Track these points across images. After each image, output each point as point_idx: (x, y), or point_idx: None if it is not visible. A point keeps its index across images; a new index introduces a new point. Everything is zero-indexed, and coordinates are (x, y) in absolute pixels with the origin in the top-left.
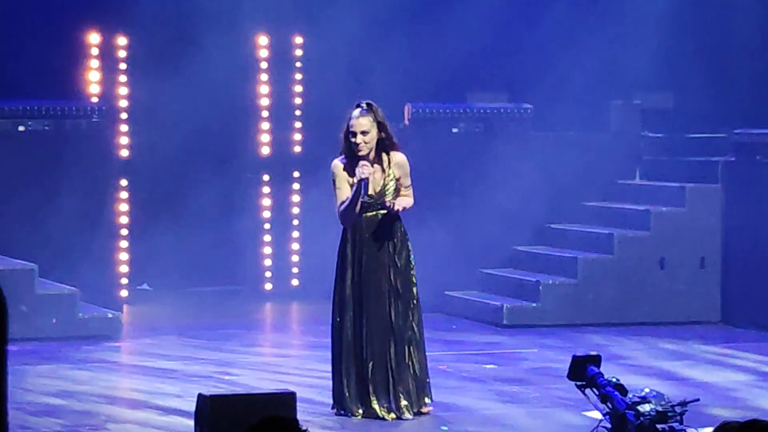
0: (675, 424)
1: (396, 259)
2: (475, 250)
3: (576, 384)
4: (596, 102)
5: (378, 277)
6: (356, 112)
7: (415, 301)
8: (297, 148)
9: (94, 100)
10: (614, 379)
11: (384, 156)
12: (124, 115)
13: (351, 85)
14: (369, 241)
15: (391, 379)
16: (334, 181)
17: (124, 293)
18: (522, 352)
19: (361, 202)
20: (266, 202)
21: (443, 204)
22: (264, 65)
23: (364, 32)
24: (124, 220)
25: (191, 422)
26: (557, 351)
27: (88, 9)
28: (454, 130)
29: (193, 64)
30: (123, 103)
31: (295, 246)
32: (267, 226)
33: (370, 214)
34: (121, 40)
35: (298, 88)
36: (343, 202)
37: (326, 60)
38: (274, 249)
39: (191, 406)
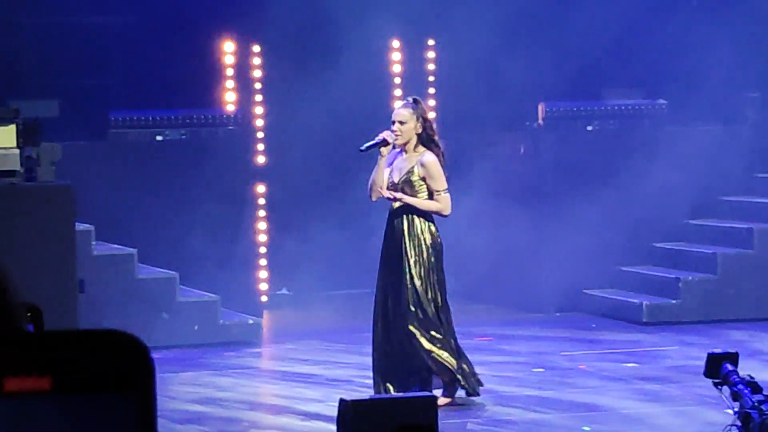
0: None
1: (413, 254)
2: (613, 247)
3: (713, 382)
4: (732, 95)
5: (399, 269)
6: (400, 103)
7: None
8: None
9: (230, 108)
10: (748, 377)
11: (419, 151)
12: (259, 123)
13: (484, 86)
14: (390, 233)
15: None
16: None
17: (264, 299)
18: (663, 350)
19: (392, 186)
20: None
21: (579, 202)
22: (397, 69)
23: (496, 32)
24: (262, 225)
25: (333, 427)
26: (698, 348)
27: (224, 19)
28: (589, 127)
29: (328, 70)
30: (258, 110)
31: None
32: None
33: (396, 205)
34: (256, 49)
35: (432, 91)
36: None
37: (459, 62)
38: None
39: (333, 411)
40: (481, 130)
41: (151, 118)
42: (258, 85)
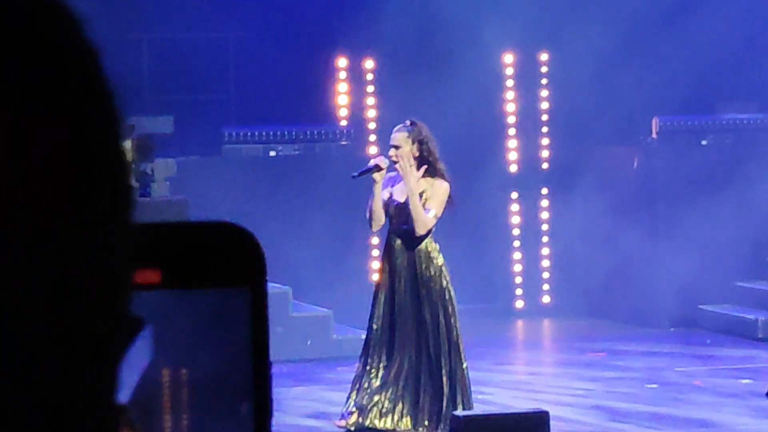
0: None
1: (432, 268)
2: (729, 262)
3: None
4: None
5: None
6: (397, 126)
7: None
8: (545, 165)
9: (343, 123)
10: None
11: (427, 179)
12: (373, 138)
13: (597, 101)
14: (397, 253)
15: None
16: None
17: None
18: None
19: (393, 210)
20: (515, 219)
21: (694, 217)
22: (510, 83)
23: (610, 46)
24: (375, 241)
25: None
26: None
27: (336, 33)
28: (704, 141)
29: (440, 83)
30: (372, 126)
31: (546, 263)
32: (516, 243)
33: (397, 229)
34: (369, 63)
35: (545, 105)
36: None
37: (572, 76)
38: (524, 266)
39: (446, 426)
40: (595, 143)
41: (264, 134)
42: (371, 100)
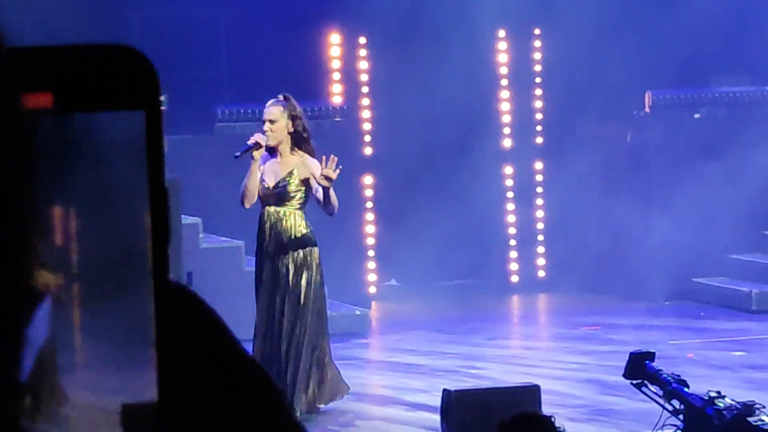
0: (764, 416)
1: (294, 256)
2: (722, 235)
3: (632, 383)
4: None
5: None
6: (270, 102)
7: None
8: (539, 139)
9: (337, 100)
10: (675, 375)
11: (297, 154)
12: (366, 114)
13: (590, 75)
14: (270, 233)
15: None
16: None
17: (372, 290)
18: None
19: (266, 193)
20: (509, 194)
21: (687, 191)
22: (503, 58)
23: (602, 20)
24: (370, 217)
25: (438, 417)
26: None
27: (330, 11)
28: (696, 115)
29: (434, 59)
30: (365, 102)
31: (540, 237)
32: (511, 218)
33: (270, 208)
34: (362, 40)
35: (538, 80)
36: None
37: (565, 50)
38: (519, 240)
39: (438, 401)
40: (588, 117)
41: (257, 111)
42: (364, 77)
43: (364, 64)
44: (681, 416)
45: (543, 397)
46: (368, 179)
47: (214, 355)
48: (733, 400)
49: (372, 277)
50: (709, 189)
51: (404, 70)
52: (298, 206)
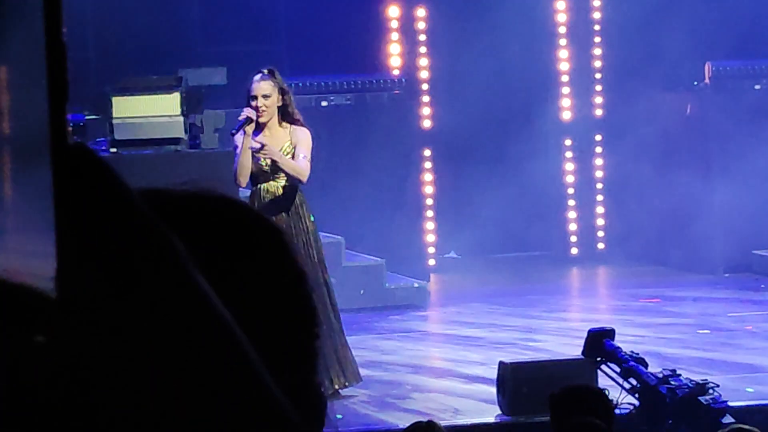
0: (717, 396)
1: (301, 225)
2: None
3: (589, 361)
4: None
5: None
6: (257, 76)
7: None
8: (598, 111)
9: (395, 72)
10: (633, 353)
11: (286, 126)
12: (425, 87)
13: (649, 46)
14: (268, 211)
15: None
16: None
17: (431, 262)
18: None
19: (259, 170)
20: (569, 166)
21: (747, 162)
22: (562, 30)
23: None
24: (429, 189)
25: (495, 390)
26: None
27: None
28: (757, 86)
29: (492, 32)
30: (424, 75)
31: (600, 210)
32: (571, 191)
33: (267, 184)
34: (421, 12)
35: (597, 52)
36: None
37: (624, 23)
38: (579, 213)
39: (495, 374)
40: (647, 88)
41: (316, 84)
42: (423, 49)
43: (422, 37)
44: (636, 395)
45: (599, 370)
46: (427, 152)
47: (112, 222)
48: (688, 379)
49: (431, 250)
50: None
51: (464, 39)
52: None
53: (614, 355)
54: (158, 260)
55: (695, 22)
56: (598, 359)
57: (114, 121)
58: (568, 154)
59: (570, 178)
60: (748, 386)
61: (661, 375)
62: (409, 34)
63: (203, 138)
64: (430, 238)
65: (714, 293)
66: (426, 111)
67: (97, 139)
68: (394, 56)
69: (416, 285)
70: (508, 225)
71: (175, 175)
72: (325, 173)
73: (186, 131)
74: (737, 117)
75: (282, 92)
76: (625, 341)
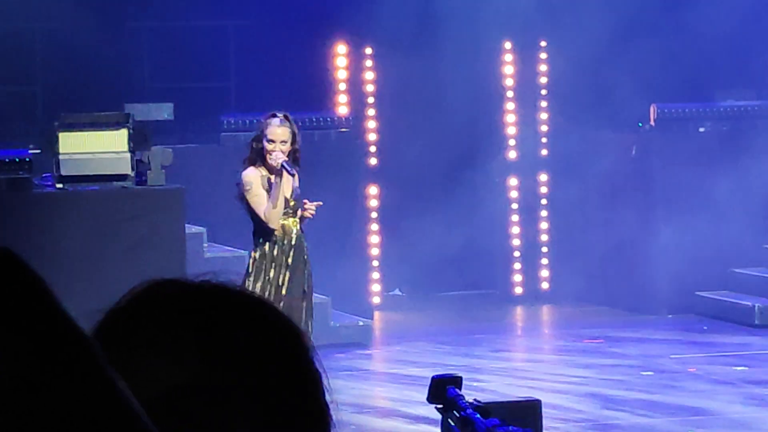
0: None
1: (309, 266)
2: (726, 249)
3: (435, 407)
4: None
5: (299, 281)
6: (276, 121)
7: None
8: (543, 151)
9: (343, 111)
10: (476, 401)
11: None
12: (372, 124)
13: (596, 87)
14: (290, 246)
15: None
16: (249, 189)
17: (376, 300)
18: None
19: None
20: (514, 206)
21: (691, 204)
22: (509, 70)
23: (608, 33)
24: (374, 227)
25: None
26: None
27: (335, 20)
28: (701, 129)
29: (439, 70)
30: (371, 112)
31: (544, 249)
32: (515, 230)
33: (289, 221)
34: (368, 50)
35: (544, 92)
36: (267, 207)
37: (571, 63)
38: (523, 252)
39: (439, 415)
40: (593, 131)
41: (263, 121)
42: (370, 88)
43: (369, 75)
44: None
45: (544, 411)
46: (373, 190)
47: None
48: (521, 428)
49: (376, 287)
50: (712, 203)
51: (410, 81)
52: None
53: (454, 403)
54: (71, 354)
55: (641, 64)
56: (440, 406)
57: (60, 157)
58: (513, 194)
59: (515, 218)
60: (691, 429)
61: (491, 425)
62: (357, 72)
63: (150, 175)
64: (375, 275)
65: (657, 334)
66: (372, 149)
67: (44, 174)
68: (341, 94)
69: (361, 323)
70: (453, 263)
71: (122, 212)
72: None
73: (133, 168)
74: (682, 159)
75: (294, 136)
76: (569, 382)
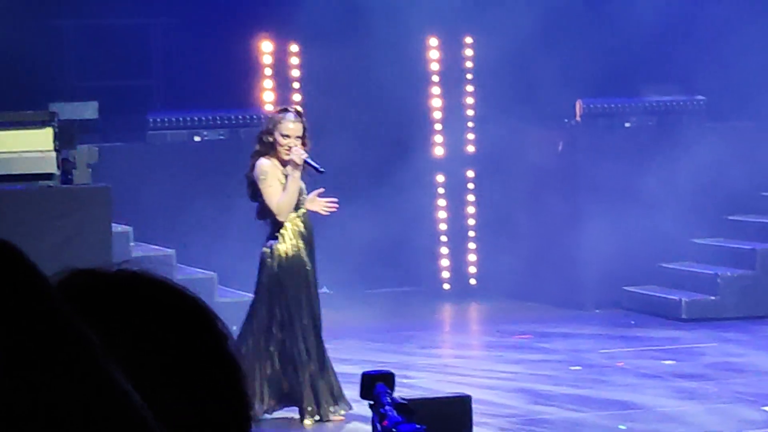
0: None
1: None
2: (652, 244)
3: (368, 403)
4: None
5: (313, 270)
6: (290, 116)
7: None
8: (470, 148)
9: (269, 108)
10: (400, 399)
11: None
12: None
13: (522, 83)
14: (305, 236)
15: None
16: (264, 179)
17: None
18: (701, 347)
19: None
20: (441, 202)
21: (618, 199)
22: (435, 66)
23: (534, 28)
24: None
25: (369, 428)
26: (737, 344)
27: (260, 17)
28: (627, 124)
29: (365, 67)
30: (297, 109)
31: (472, 245)
32: (443, 226)
33: (301, 211)
34: (294, 48)
35: (470, 88)
36: (282, 196)
37: (496, 59)
38: (451, 249)
39: (368, 411)
40: (519, 126)
41: (189, 119)
42: (296, 84)
43: (295, 72)
44: None
45: (474, 406)
46: None
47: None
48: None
49: None
50: (639, 198)
51: (336, 76)
52: None
53: (378, 399)
54: (71, 353)
55: (567, 59)
56: (371, 402)
57: None
58: (440, 190)
59: (442, 214)
60: (620, 423)
61: (394, 422)
62: (282, 69)
63: (76, 173)
64: None
65: (586, 329)
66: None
67: None
68: (267, 91)
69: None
70: (381, 260)
71: (48, 211)
72: (197, 208)
73: (58, 167)
74: (609, 154)
75: (304, 132)
76: (498, 378)
